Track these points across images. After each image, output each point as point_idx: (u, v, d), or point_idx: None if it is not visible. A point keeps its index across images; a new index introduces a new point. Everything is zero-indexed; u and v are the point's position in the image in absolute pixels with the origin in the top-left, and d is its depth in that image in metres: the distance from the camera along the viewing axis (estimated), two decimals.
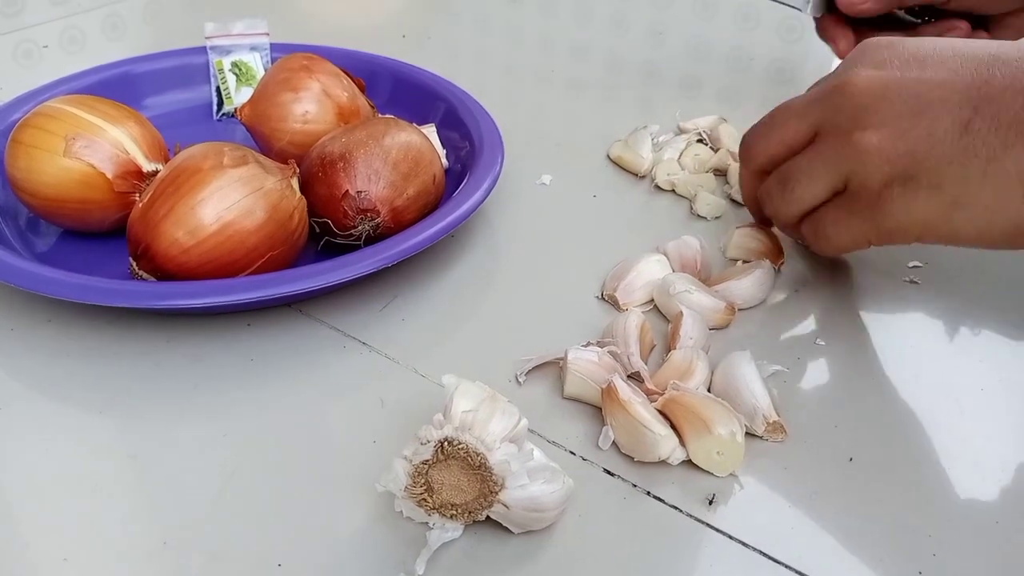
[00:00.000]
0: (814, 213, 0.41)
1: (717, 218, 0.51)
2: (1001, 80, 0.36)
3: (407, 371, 0.39)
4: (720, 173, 0.55)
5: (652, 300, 0.44)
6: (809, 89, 0.43)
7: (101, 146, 0.43)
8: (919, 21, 0.58)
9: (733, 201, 0.53)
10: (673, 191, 0.53)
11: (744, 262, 0.46)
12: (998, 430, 0.37)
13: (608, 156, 0.57)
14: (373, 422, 0.36)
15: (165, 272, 0.39)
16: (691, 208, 0.52)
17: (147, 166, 0.44)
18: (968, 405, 0.38)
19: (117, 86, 0.54)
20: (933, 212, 0.37)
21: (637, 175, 0.55)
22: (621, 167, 0.56)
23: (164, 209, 0.38)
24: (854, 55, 0.40)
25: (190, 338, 0.40)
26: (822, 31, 0.59)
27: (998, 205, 0.35)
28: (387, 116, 0.47)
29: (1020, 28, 0.55)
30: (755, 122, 0.44)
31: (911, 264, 0.47)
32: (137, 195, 0.43)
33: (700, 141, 0.57)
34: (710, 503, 0.33)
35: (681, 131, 0.60)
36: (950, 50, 0.38)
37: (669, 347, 0.40)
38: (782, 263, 0.46)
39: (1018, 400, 0.39)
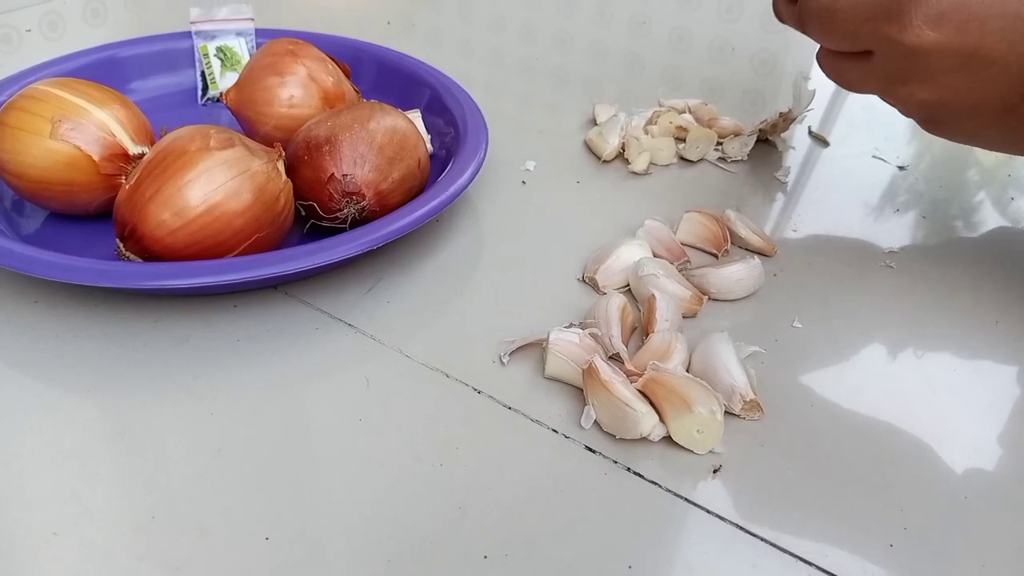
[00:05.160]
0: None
1: (648, 173, 0.54)
2: None
3: (392, 352, 0.40)
4: (680, 138, 0.57)
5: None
6: None
7: (87, 128, 0.43)
8: None
9: (683, 159, 0.56)
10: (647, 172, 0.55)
11: (724, 252, 0.47)
12: (969, 410, 0.38)
13: (585, 142, 0.58)
14: (358, 401, 0.37)
15: (152, 253, 0.39)
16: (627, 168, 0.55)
17: (133, 149, 0.44)
18: (940, 386, 0.39)
19: (102, 70, 0.54)
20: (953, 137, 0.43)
21: (600, 158, 0.56)
22: (591, 151, 0.57)
23: (151, 190, 0.39)
24: None
25: (177, 319, 0.41)
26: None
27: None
28: (372, 101, 0.47)
29: None
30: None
31: (887, 249, 0.48)
32: (123, 177, 0.43)
33: (682, 114, 0.59)
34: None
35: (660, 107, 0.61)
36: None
37: (646, 330, 0.40)
38: (726, 250, 0.47)
39: (988, 381, 0.40)
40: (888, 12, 0.38)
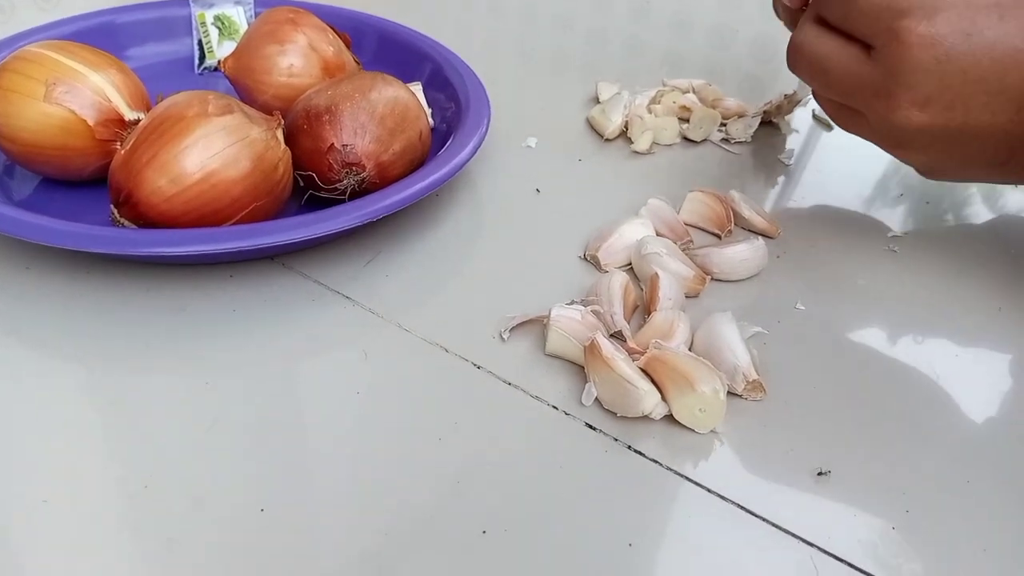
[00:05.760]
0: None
1: (651, 153, 0.54)
2: None
3: (391, 326, 0.39)
4: (684, 118, 0.57)
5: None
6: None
7: (82, 92, 0.42)
8: None
9: (687, 139, 0.56)
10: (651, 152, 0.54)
11: (728, 232, 0.46)
12: (971, 395, 0.38)
13: (587, 120, 0.57)
14: (356, 374, 0.36)
15: (147, 220, 0.38)
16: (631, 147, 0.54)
17: (129, 114, 0.43)
18: (942, 370, 0.39)
19: (97, 36, 0.53)
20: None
21: (602, 137, 0.55)
22: (594, 129, 0.57)
23: (147, 156, 0.38)
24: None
25: (172, 288, 0.40)
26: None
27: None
28: (374, 71, 0.46)
29: None
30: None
31: (891, 233, 0.48)
32: (118, 143, 0.42)
33: (686, 93, 0.59)
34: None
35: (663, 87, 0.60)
36: (993, 71, 0.37)
37: (648, 308, 0.40)
38: (729, 230, 0.46)
39: (991, 366, 0.39)
40: (877, 89, 0.39)
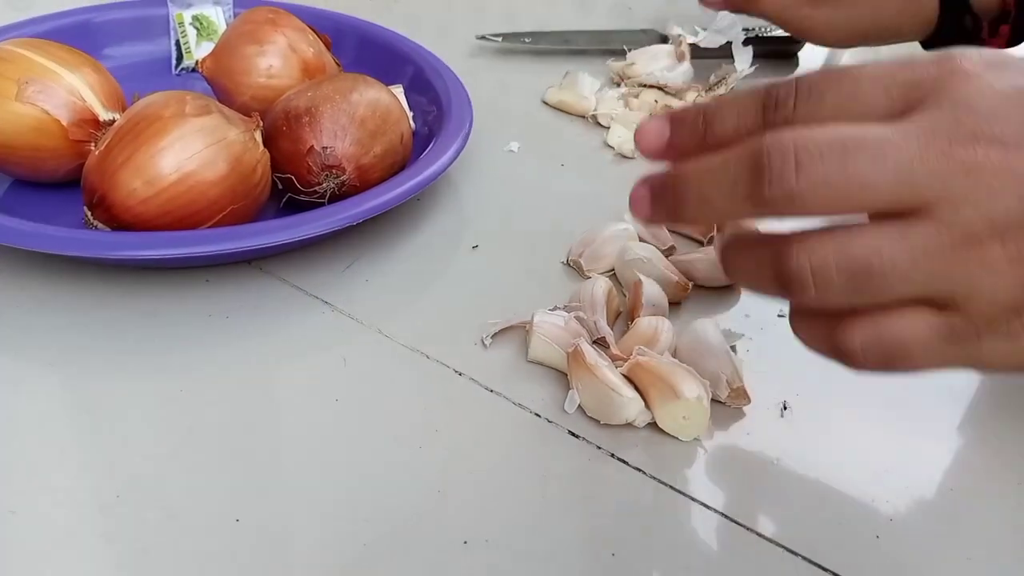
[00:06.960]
0: (876, 317, 0.25)
1: (634, 157, 0.53)
2: None
3: (371, 332, 0.39)
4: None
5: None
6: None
7: (56, 92, 0.41)
8: None
9: None
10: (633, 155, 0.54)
11: (710, 239, 0.46)
12: (950, 402, 0.38)
13: (544, 102, 0.59)
14: (335, 381, 0.36)
15: (122, 223, 0.38)
16: (605, 139, 0.55)
17: (104, 115, 0.42)
18: (926, 378, 0.39)
19: (73, 35, 0.52)
20: None
21: (576, 115, 0.56)
22: (563, 111, 0.58)
23: (122, 157, 0.37)
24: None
25: (146, 292, 0.39)
26: None
27: None
28: (355, 73, 0.46)
29: None
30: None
31: None
32: (93, 144, 0.41)
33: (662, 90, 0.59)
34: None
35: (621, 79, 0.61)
36: None
37: (631, 315, 0.40)
38: (711, 237, 0.46)
39: (972, 376, 0.39)
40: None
